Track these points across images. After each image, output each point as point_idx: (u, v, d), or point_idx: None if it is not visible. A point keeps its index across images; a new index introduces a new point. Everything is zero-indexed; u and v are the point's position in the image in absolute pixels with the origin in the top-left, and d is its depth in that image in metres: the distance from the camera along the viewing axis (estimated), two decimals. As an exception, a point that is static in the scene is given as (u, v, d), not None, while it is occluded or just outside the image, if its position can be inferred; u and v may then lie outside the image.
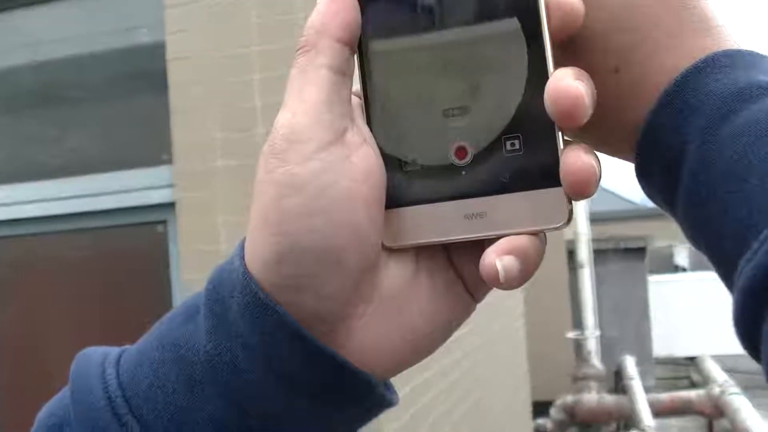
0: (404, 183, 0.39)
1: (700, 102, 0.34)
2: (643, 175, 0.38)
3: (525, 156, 0.37)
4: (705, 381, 7.04)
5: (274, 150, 0.37)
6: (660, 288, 10.80)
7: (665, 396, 6.84)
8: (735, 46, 0.36)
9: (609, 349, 8.37)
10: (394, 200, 0.39)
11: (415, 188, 0.39)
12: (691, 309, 11.01)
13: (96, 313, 2.84)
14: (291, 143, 0.36)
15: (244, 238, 0.38)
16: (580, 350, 7.57)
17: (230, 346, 0.37)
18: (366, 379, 0.38)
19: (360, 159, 0.37)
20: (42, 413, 0.41)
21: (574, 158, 0.35)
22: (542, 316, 7.23)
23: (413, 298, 0.39)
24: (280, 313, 0.36)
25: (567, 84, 0.34)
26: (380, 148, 0.39)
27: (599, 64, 0.37)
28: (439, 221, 0.38)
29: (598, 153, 0.37)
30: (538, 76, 0.36)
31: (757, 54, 0.36)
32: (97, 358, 0.41)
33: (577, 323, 7.77)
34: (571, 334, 7.75)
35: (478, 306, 0.41)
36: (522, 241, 0.36)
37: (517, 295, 5.58)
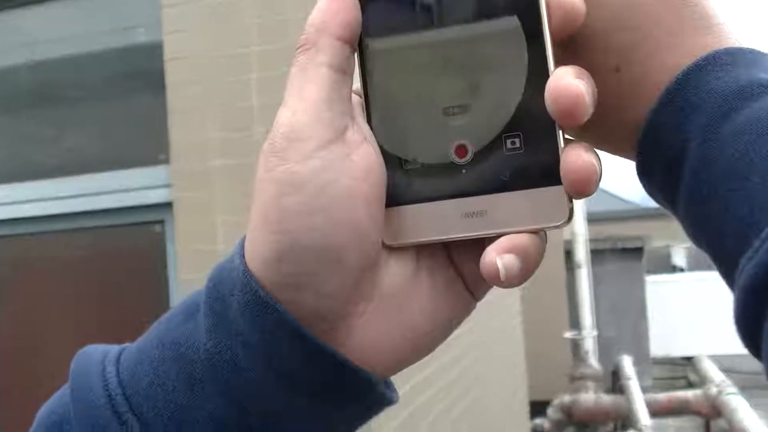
0: (404, 181, 0.39)
1: (702, 100, 0.34)
2: (644, 174, 0.38)
3: (525, 154, 0.37)
4: (702, 381, 7.06)
5: (274, 148, 0.37)
6: (657, 288, 10.80)
7: (662, 396, 6.85)
8: (736, 44, 0.36)
9: (606, 348, 8.37)
10: (394, 198, 0.39)
11: (416, 186, 0.38)
12: (688, 309, 11.01)
13: (93, 312, 2.84)
14: (291, 141, 0.36)
15: (245, 237, 0.38)
16: (578, 350, 7.57)
17: (230, 345, 0.37)
18: (366, 378, 0.38)
19: (360, 157, 0.37)
20: (41, 411, 0.41)
21: (574, 157, 0.35)
22: (540, 316, 7.23)
23: (413, 296, 0.39)
24: (280, 312, 0.36)
25: (568, 82, 0.34)
26: (380, 147, 0.39)
27: (600, 63, 0.37)
28: (440, 220, 0.38)
29: (598, 151, 0.37)
30: (538, 75, 0.36)
31: (759, 52, 0.36)
32: (97, 356, 0.41)
33: (575, 323, 7.77)
34: (568, 334, 7.76)
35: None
36: (522, 239, 0.36)
37: (514, 292, 5.58)
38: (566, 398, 6.98)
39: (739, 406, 5.74)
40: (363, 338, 0.38)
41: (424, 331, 0.39)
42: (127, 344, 0.42)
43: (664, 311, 10.67)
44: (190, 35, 2.55)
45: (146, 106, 2.77)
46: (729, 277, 0.33)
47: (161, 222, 2.68)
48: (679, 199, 0.36)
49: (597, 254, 8.79)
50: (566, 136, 0.36)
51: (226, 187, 2.44)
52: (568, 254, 7.80)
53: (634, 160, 0.38)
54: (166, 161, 2.60)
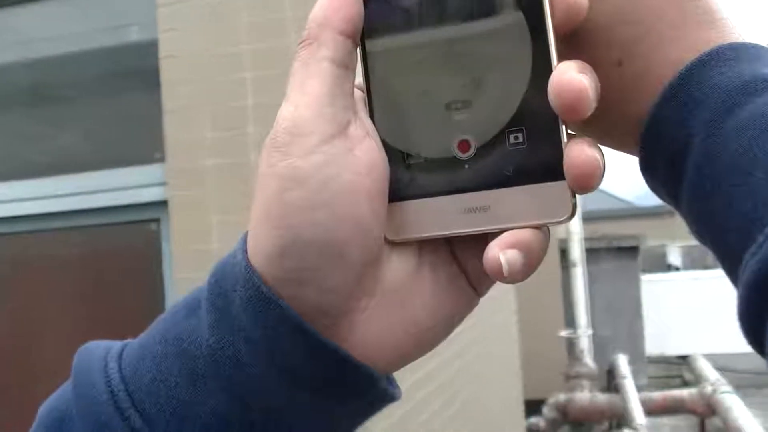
0: (407, 176, 0.39)
1: (705, 95, 0.34)
2: (647, 169, 0.38)
3: (528, 149, 0.36)
4: (697, 380, 7.06)
5: (276, 143, 0.36)
6: (652, 287, 10.81)
7: (657, 395, 6.86)
8: (740, 39, 0.36)
9: (601, 347, 8.38)
10: (397, 193, 0.38)
11: (418, 182, 0.38)
12: (683, 308, 11.02)
13: (88, 310, 2.83)
14: (293, 136, 0.36)
15: (247, 232, 0.38)
16: (573, 349, 7.58)
17: (233, 340, 0.37)
18: (368, 373, 0.38)
19: (363, 152, 0.37)
20: (43, 408, 0.41)
21: (578, 152, 0.35)
22: (535, 315, 7.23)
23: (416, 291, 0.39)
24: (283, 307, 0.36)
25: (571, 77, 0.34)
26: (383, 142, 0.39)
27: (603, 57, 0.37)
28: (442, 215, 0.38)
29: (601, 146, 0.37)
30: (541, 70, 0.36)
31: (762, 47, 0.36)
32: (100, 353, 0.40)
33: (570, 322, 7.78)
34: (563, 333, 7.77)
35: None
36: (525, 234, 0.36)
37: (510, 289, 5.57)
38: (561, 397, 6.99)
39: (733, 404, 5.75)
40: (365, 334, 0.38)
41: (427, 326, 0.39)
42: (129, 340, 0.42)
43: (659, 310, 10.68)
44: (185, 34, 2.54)
45: (141, 105, 2.77)
46: (732, 273, 0.33)
47: (156, 220, 2.68)
48: (682, 195, 0.36)
49: (592, 253, 8.80)
50: (569, 131, 0.36)
51: (221, 185, 2.44)
52: (564, 253, 7.81)
53: (637, 155, 0.38)
54: (162, 159, 2.60)
